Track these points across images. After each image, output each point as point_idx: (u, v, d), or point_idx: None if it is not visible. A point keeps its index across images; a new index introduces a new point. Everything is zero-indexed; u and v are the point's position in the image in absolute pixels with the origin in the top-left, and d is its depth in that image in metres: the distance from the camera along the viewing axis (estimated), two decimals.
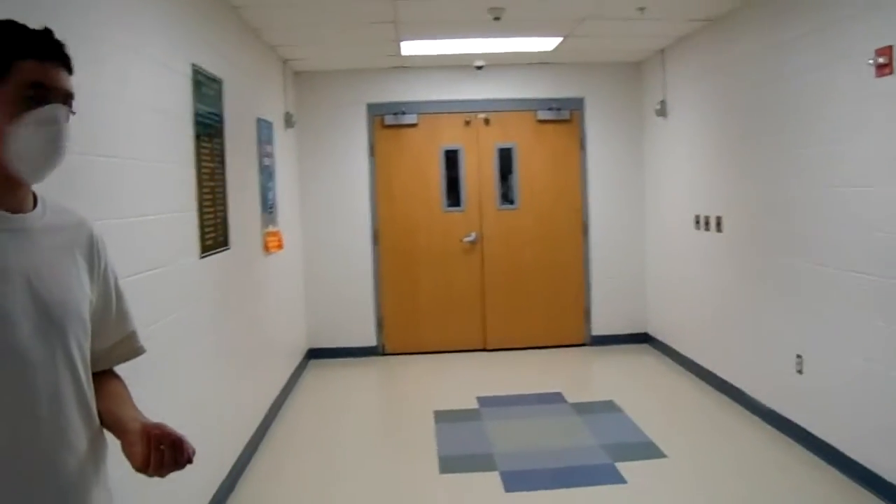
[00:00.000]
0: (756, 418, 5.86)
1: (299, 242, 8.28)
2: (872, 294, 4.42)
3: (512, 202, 8.66)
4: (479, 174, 8.63)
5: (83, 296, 1.79)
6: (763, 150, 5.70)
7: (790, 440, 5.36)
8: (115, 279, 1.94)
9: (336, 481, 5.21)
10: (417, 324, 8.70)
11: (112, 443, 1.84)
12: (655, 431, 5.72)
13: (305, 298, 8.48)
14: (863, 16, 4.42)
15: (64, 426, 1.68)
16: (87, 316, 1.79)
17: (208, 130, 4.85)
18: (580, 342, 8.71)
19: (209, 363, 4.79)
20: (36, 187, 1.76)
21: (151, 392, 3.29)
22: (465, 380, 7.64)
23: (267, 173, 6.61)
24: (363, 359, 8.58)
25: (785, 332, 5.45)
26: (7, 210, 1.66)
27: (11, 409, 1.59)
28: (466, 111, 8.56)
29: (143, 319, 3.59)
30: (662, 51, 7.68)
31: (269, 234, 6.58)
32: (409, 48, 7.33)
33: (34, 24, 2.36)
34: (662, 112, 7.66)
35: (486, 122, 8.58)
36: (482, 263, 8.69)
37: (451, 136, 8.61)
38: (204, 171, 4.72)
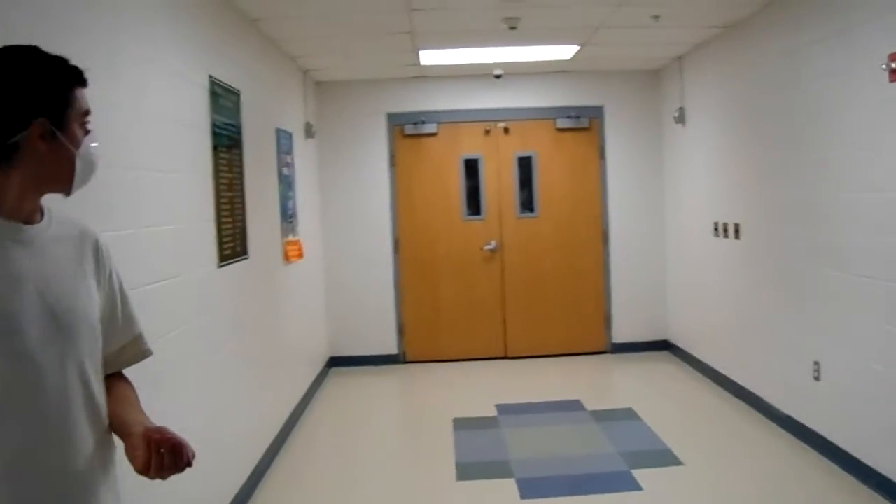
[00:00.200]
0: (774, 425, 5.84)
1: (320, 251, 8.35)
2: (890, 300, 4.40)
3: (532, 210, 8.68)
4: (498, 183, 8.67)
5: (92, 302, 1.85)
6: (780, 157, 5.69)
7: (807, 447, 5.34)
8: (120, 284, 2.00)
9: (353, 487, 5.25)
10: (438, 332, 8.74)
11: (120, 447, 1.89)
12: (673, 439, 5.71)
13: (326, 307, 8.54)
14: (878, 20, 4.40)
15: (72, 429, 1.73)
16: (96, 322, 1.86)
17: (226, 141, 4.92)
18: (601, 350, 8.71)
19: (228, 371, 4.85)
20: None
21: (170, 399, 3.37)
22: (484, 387, 7.66)
23: (287, 183, 6.68)
24: (384, 367, 8.62)
25: (802, 338, 5.44)
26: (22, 222, 1.74)
27: (21, 412, 1.65)
28: (486, 120, 8.60)
29: (162, 328, 3.69)
30: (680, 58, 7.68)
31: (289, 243, 6.65)
32: (428, 58, 7.39)
33: (55, 37, 2.44)
34: (681, 119, 7.66)
35: (506, 130, 8.62)
36: (502, 271, 8.71)
37: (470, 145, 8.65)
38: (222, 181, 4.79)
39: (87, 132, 1.81)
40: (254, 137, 5.61)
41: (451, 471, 5.39)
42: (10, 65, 1.72)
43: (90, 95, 1.85)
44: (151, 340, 3.43)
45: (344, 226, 8.57)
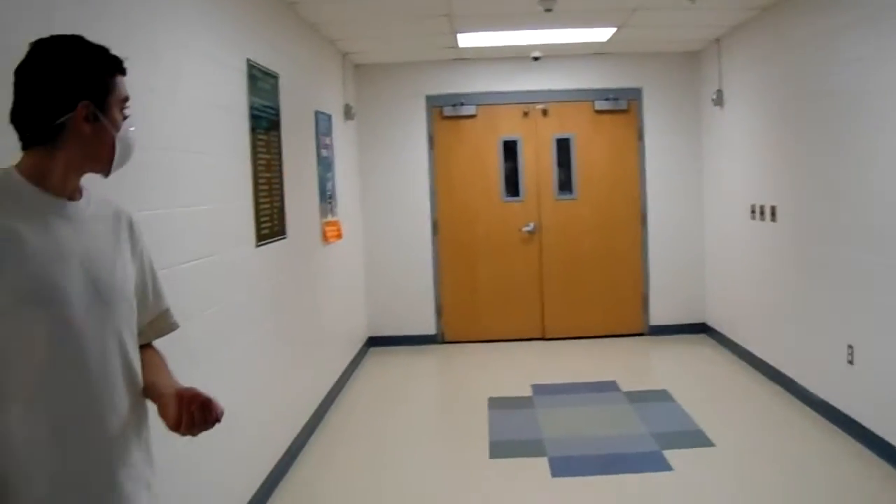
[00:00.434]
0: (808, 409, 5.83)
1: (359, 232, 8.45)
2: None
3: (570, 192, 8.70)
4: (537, 164, 8.69)
5: (128, 276, 1.99)
6: (815, 139, 5.66)
7: (840, 431, 5.33)
8: (150, 261, 2.13)
9: (387, 464, 5.36)
10: (476, 312, 8.81)
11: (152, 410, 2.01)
12: (706, 420, 5.73)
13: (366, 287, 8.65)
14: None
15: (111, 392, 1.88)
16: (132, 295, 1.99)
17: (264, 123, 5.02)
18: (639, 332, 8.72)
19: (265, 349, 4.97)
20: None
21: (207, 375, 3.47)
22: (521, 368, 7.72)
23: (325, 164, 6.77)
24: (422, 347, 8.72)
25: (836, 321, 5.42)
26: (66, 199, 1.87)
27: (68, 375, 1.79)
28: (524, 102, 8.62)
29: (199, 305, 3.81)
30: (718, 40, 7.63)
31: (327, 223, 6.75)
32: (466, 40, 7.43)
33: (94, 24, 2.56)
34: (719, 101, 7.62)
35: (544, 112, 8.63)
36: (540, 253, 8.75)
37: (509, 126, 8.68)
38: (260, 162, 4.89)
39: (125, 117, 1.93)
40: (292, 120, 5.70)
41: (485, 449, 5.47)
42: (57, 52, 1.85)
43: (129, 81, 1.96)
44: (188, 317, 3.58)
45: (383, 207, 8.66)
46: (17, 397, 1.73)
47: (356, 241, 8.24)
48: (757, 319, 7.01)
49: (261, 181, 4.90)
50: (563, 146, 8.67)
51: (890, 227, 4.70)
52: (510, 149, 8.71)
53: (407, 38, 7.35)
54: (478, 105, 8.63)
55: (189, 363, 3.36)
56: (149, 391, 2.00)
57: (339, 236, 7.05)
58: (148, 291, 2.10)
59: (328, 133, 6.97)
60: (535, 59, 8.08)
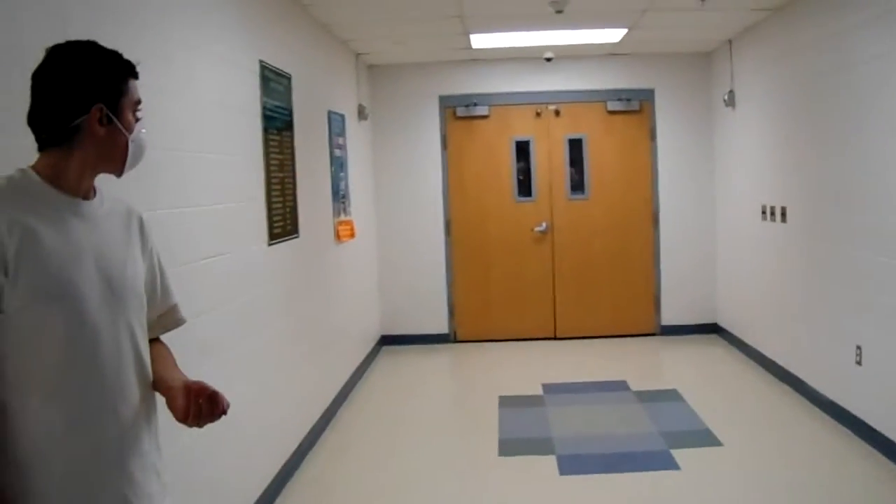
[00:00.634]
0: (816, 409, 5.85)
1: (373, 231, 8.52)
2: None
3: (582, 192, 8.74)
4: (549, 165, 8.73)
5: (138, 272, 2.07)
6: (825, 140, 5.68)
7: (849, 432, 5.34)
8: (159, 259, 2.21)
9: (397, 461, 5.41)
10: (489, 312, 8.86)
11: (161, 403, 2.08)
12: (714, 420, 5.76)
13: (379, 286, 8.71)
14: None
15: (123, 382, 1.95)
16: (142, 290, 2.08)
17: (277, 124, 5.09)
18: (650, 332, 8.75)
19: (278, 345, 5.04)
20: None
21: (219, 370, 3.55)
22: (532, 367, 7.77)
23: (338, 164, 6.84)
24: (435, 346, 8.78)
25: (845, 322, 5.44)
26: (80, 198, 1.95)
27: (83, 368, 1.87)
28: (537, 102, 8.66)
29: (211, 302, 3.88)
30: (730, 41, 7.66)
31: (340, 223, 6.81)
32: (479, 41, 7.48)
33: (108, 28, 2.65)
34: (731, 102, 7.64)
35: (557, 113, 8.67)
36: (552, 253, 8.79)
37: (521, 127, 8.73)
38: (272, 162, 4.96)
39: (138, 119, 2.01)
40: (305, 120, 5.77)
41: (494, 446, 5.52)
42: (72, 57, 1.93)
43: (142, 82, 2.04)
44: (201, 314, 3.64)
45: (396, 206, 8.72)
46: (36, 389, 1.80)
47: (369, 240, 8.31)
48: (767, 320, 7.03)
49: (273, 181, 4.97)
50: (576, 146, 8.71)
51: None
52: (523, 149, 8.76)
53: (420, 39, 7.41)
54: (490, 105, 8.68)
55: (201, 359, 3.43)
56: (157, 384, 2.07)
57: (352, 235, 7.11)
58: (157, 288, 2.17)
59: (341, 133, 7.03)
60: (548, 59, 8.12)
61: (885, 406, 4.95)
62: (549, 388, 6.89)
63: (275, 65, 5.07)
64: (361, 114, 7.92)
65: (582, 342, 8.63)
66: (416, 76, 8.60)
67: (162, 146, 3.33)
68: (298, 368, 5.46)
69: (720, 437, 5.42)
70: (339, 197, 6.82)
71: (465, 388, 7.57)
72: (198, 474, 3.57)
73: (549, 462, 5.17)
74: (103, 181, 2.02)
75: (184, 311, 2.29)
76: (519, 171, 8.77)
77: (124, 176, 2.04)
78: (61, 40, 1.96)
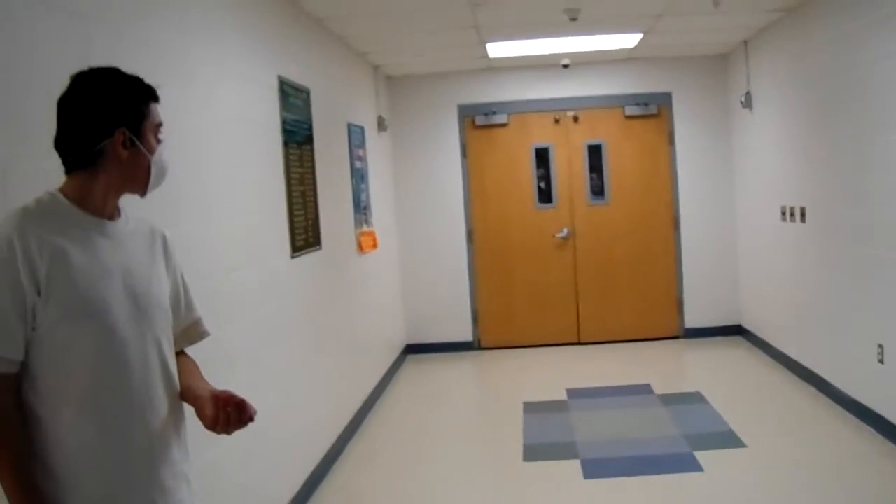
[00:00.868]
0: (840, 409, 5.85)
1: (395, 242, 8.59)
2: None
3: (603, 197, 8.77)
4: (569, 171, 8.78)
5: (163, 288, 2.16)
6: (843, 139, 5.69)
7: (873, 431, 5.34)
8: (182, 275, 2.29)
9: (423, 467, 5.47)
10: (512, 319, 8.91)
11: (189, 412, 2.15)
12: (738, 422, 5.77)
13: (402, 296, 8.78)
14: None
15: (151, 394, 2.04)
16: (168, 305, 2.17)
17: (297, 137, 5.17)
18: (674, 335, 8.76)
19: (304, 356, 5.12)
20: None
21: (247, 381, 3.62)
22: (556, 372, 7.81)
23: (359, 176, 6.92)
24: (459, 353, 8.83)
25: (866, 321, 5.44)
26: (106, 218, 2.04)
27: (113, 380, 1.96)
28: (555, 109, 8.71)
29: (236, 314, 3.96)
30: (746, 42, 7.67)
31: (363, 234, 6.89)
32: (496, 50, 7.55)
33: (134, 43, 2.75)
34: (748, 104, 7.66)
35: (575, 119, 8.72)
36: (574, 258, 8.83)
37: (541, 134, 8.78)
38: (293, 175, 5.05)
39: (159, 141, 2.09)
40: (325, 133, 5.86)
41: (519, 452, 5.57)
42: (95, 83, 2.02)
43: (163, 99, 2.13)
44: (227, 326, 3.73)
45: (418, 216, 8.80)
46: (68, 402, 1.89)
47: (392, 250, 8.38)
48: (789, 320, 7.03)
49: (295, 194, 5.05)
50: (595, 152, 8.75)
51: None
52: (542, 156, 8.81)
53: (437, 50, 7.49)
54: (509, 113, 8.74)
55: (228, 370, 3.51)
56: (185, 394, 2.16)
57: (374, 246, 7.19)
58: (181, 302, 2.26)
59: (361, 145, 7.12)
60: (565, 66, 8.17)
61: None
62: (573, 393, 6.93)
63: (293, 80, 5.16)
64: (381, 125, 8.01)
65: (606, 347, 8.66)
66: (434, 86, 8.68)
67: (183, 163, 3.41)
68: (324, 378, 5.54)
69: (744, 439, 5.43)
70: (361, 208, 6.90)
71: (490, 395, 7.62)
72: (227, 484, 3.65)
73: (574, 466, 5.21)
74: (128, 199, 2.11)
75: (208, 325, 2.38)
76: (539, 178, 8.83)
77: (146, 196, 2.12)
78: (84, 63, 2.05)
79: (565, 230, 8.80)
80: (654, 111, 8.60)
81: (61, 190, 1.99)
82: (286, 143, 4.95)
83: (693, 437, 5.56)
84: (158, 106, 2.10)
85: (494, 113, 8.73)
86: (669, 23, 6.62)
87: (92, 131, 1.97)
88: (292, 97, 5.13)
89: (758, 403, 6.37)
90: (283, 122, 4.92)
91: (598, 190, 8.79)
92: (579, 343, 8.82)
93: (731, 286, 8.60)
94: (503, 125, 8.77)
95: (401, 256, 8.77)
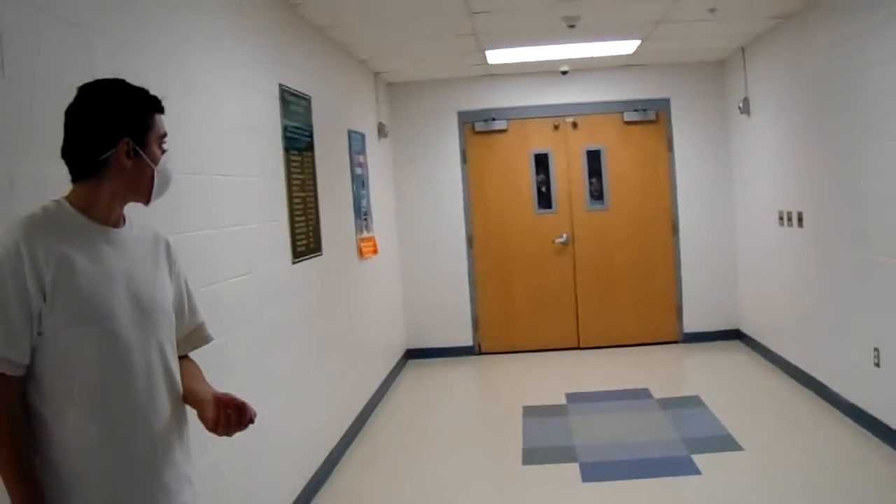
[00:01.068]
0: (837, 412, 5.89)
1: (395, 247, 8.64)
2: None
3: (602, 203, 8.82)
4: (568, 176, 8.83)
5: (166, 293, 2.22)
6: (840, 144, 5.74)
7: (869, 434, 5.38)
8: (186, 280, 2.35)
9: (424, 471, 5.52)
10: (512, 324, 8.96)
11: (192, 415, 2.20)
12: (736, 425, 5.81)
13: (403, 301, 8.83)
14: None
15: (154, 396, 2.09)
16: (171, 310, 2.22)
17: (298, 144, 5.23)
18: (672, 339, 8.80)
19: (304, 361, 5.16)
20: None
21: (247, 386, 3.67)
22: (556, 377, 7.85)
23: (360, 182, 6.97)
24: (460, 358, 8.88)
25: (862, 325, 5.49)
26: (111, 226, 2.09)
27: (117, 383, 2.01)
28: (554, 115, 8.77)
29: (237, 320, 4.01)
30: (743, 49, 7.73)
31: (363, 239, 6.94)
32: (495, 57, 7.60)
33: (135, 52, 2.82)
34: (745, 109, 7.71)
35: (574, 125, 8.78)
36: (574, 263, 8.88)
37: (540, 140, 8.84)
38: (294, 182, 5.10)
39: (163, 151, 2.15)
40: (325, 140, 5.91)
41: (518, 455, 5.61)
42: (101, 95, 2.08)
43: (166, 107, 2.18)
44: (229, 332, 3.78)
45: (418, 222, 8.85)
46: (73, 403, 1.95)
47: (392, 256, 8.43)
48: (787, 325, 7.08)
49: (296, 200, 5.10)
50: (594, 158, 8.80)
51: None
52: (541, 162, 8.86)
53: (436, 57, 7.54)
54: (509, 119, 8.79)
55: (230, 375, 3.56)
56: (188, 397, 2.21)
57: (374, 252, 7.24)
58: (184, 308, 2.31)
59: (362, 151, 7.17)
60: (564, 72, 8.24)
61: None
62: (572, 398, 6.97)
63: (294, 87, 5.22)
64: (381, 132, 8.06)
65: (605, 351, 8.70)
66: (434, 93, 8.74)
67: (185, 170, 3.46)
68: (325, 383, 5.59)
69: (741, 442, 5.47)
70: (361, 214, 6.95)
71: (490, 399, 7.67)
72: (229, 487, 3.70)
73: (572, 469, 5.25)
74: (131, 206, 2.16)
75: (211, 330, 2.43)
76: (539, 184, 8.88)
77: (149, 204, 2.17)
78: (87, 72, 2.10)
79: (564, 235, 8.85)
80: (652, 117, 8.65)
81: (67, 198, 2.05)
82: (287, 150, 5.00)
83: (691, 440, 5.60)
84: (163, 117, 2.15)
85: (494, 119, 8.79)
86: (667, 29, 6.68)
87: (97, 142, 2.02)
88: (293, 104, 5.18)
89: (755, 407, 6.41)
90: (285, 129, 4.97)
91: (597, 195, 8.84)
92: (579, 348, 8.87)
93: (729, 291, 8.65)
94: (503, 131, 8.83)
95: (401, 262, 8.82)
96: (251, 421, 2.11)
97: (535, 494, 5.00)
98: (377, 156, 7.85)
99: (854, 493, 4.59)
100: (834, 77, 5.76)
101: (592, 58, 7.85)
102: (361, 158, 7.13)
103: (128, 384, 2.02)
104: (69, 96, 2.07)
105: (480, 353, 8.98)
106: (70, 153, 2.04)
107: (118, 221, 2.12)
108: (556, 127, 8.79)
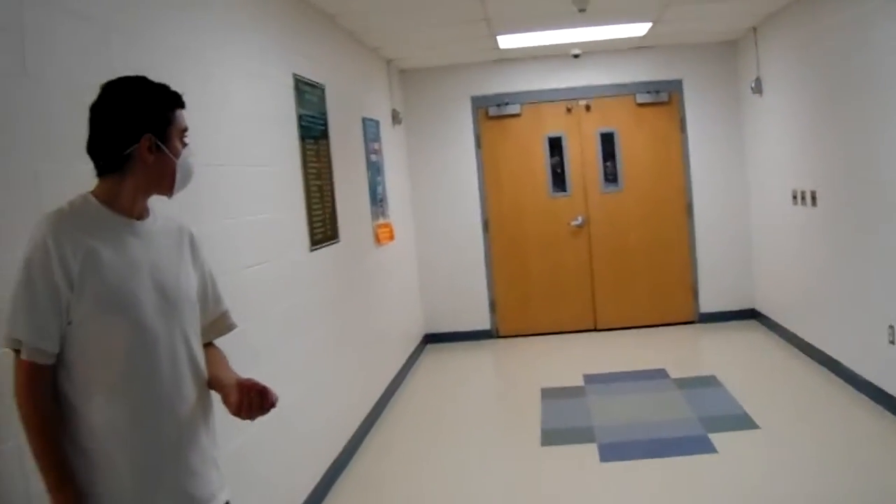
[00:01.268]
0: (853, 390, 5.92)
1: (412, 233, 8.70)
2: None
3: (616, 185, 8.85)
4: (582, 159, 8.85)
5: (191, 283, 2.29)
6: (853, 122, 5.74)
7: (885, 411, 5.41)
8: (210, 270, 2.41)
9: (443, 454, 5.59)
10: (529, 307, 9.01)
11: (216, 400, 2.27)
12: (752, 404, 5.86)
13: (420, 286, 8.90)
14: None
15: (180, 383, 2.16)
16: (195, 299, 2.29)
17: (313, 133, 5.28)
18: (689, 320, 8.83)
19: (324, 347, 5.24)
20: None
21: (269, 372, 3.72)
22: (573, 359, 7.91)
23: (375, 169, 7.03)
24: (478, 342, 8.94)
25: (877, 302, 5.51)
26: (135, 218, 2.16)
27: (143, 369, 2.08)
28: (567, 99, 8.79)
29: (258, 308, 4.08)
30: (755, 28, 7.72)
31: (380, 226, 7.00)
32: (506, 42, 7.63)
33: (151, 46, 2.88)
34: (758, 89, 7.70)
35: (587, 108, 8.79)
36: (589, 246, 8.91)
37: (553, 123, 8.86)
38: (310, 170, 5.16)
39: (185, 145, 2.21)
40: (340, 128, 5.97)
41: (537, 437, 5.68)
42: (124, 91, 2.15)
43: (189, 101, 2.24)
44: (250, 319, 3.85)
45: (434, 207, 8.90)
46: (100, 388, 2.02)
47: (409, 241, 8.49)
48: (803, 303, 7.10)
49: (312, 188, 5.17)
50: (608, 140, 8.82)
51: None
52: (555, 145, 8.89)
53: (448, 43, 7.57)
54: (522, 104, 8.82)
55: (253, 363, 3.62)
56: (213, 383, 2.28)
57: (391, 238, 7.30)
58: (208, 296, 2.38)
59: (376, 138, 7.22)
60: (576, 56, 8.25)
61: None
62: (589, 379, 7.03)
63: (308, 76, 5.27)
64: (395, 118, 8.11)
65: (622, 333, 8.75)
66: (447, 79, 8.78)
67: (203, 161, 3.52)
68: (344, 369, 5.66)
69: (757, 421, 5.52)
70: (377, 201, 7.01)
71: (508, 382, 7.73)
72: (251, 473, 3.78)
73: (591, 450, 5.31)
74: (153, 198, 2.22)
75: (233, 318, 2.49)
76: (553, 167, 8.91)
77: (172, 197, 2.24)
78: (105, 67, 2.16)
79: (580, 218, 8.88)
80: (665, 98, 8.66)
81: (93, 193, 2.11)
82: (303, 139, 5.06)
83: (707, 419, 5.65)
84: (184, 112, 2.21)
85: (507, 104, 8.81)
86: (678, 11, 6.68)
87: (120, 137, 2.09)
88: (307, 94, 5.24)
89: (771, 386, 6.45)
90: (300, 118, 5.03)
91: (611, 177, 8.86)
92: (595, 329, 8.92)
93: (744, 270, 8.67)
94: (516, 115, 8.86)
95: (418, 247, 8.88)
96: (273, 405, 2.18)
97: (554, 475, 5.06)
98: (392, 143, 7.90)
99: (870, 470, 4.62)
100: (847, 55, 5.76)
101: (604, 41, 7.87)
102: (376, 145, 7.19)
103: (153, 371, 2.09)
104: (88, 92, 2.14)
105: (498, 337, 9.04)
106: (95, 149, 2.11)
107: (142, 214, 2.18)
108: (569, 110, 8.81)
